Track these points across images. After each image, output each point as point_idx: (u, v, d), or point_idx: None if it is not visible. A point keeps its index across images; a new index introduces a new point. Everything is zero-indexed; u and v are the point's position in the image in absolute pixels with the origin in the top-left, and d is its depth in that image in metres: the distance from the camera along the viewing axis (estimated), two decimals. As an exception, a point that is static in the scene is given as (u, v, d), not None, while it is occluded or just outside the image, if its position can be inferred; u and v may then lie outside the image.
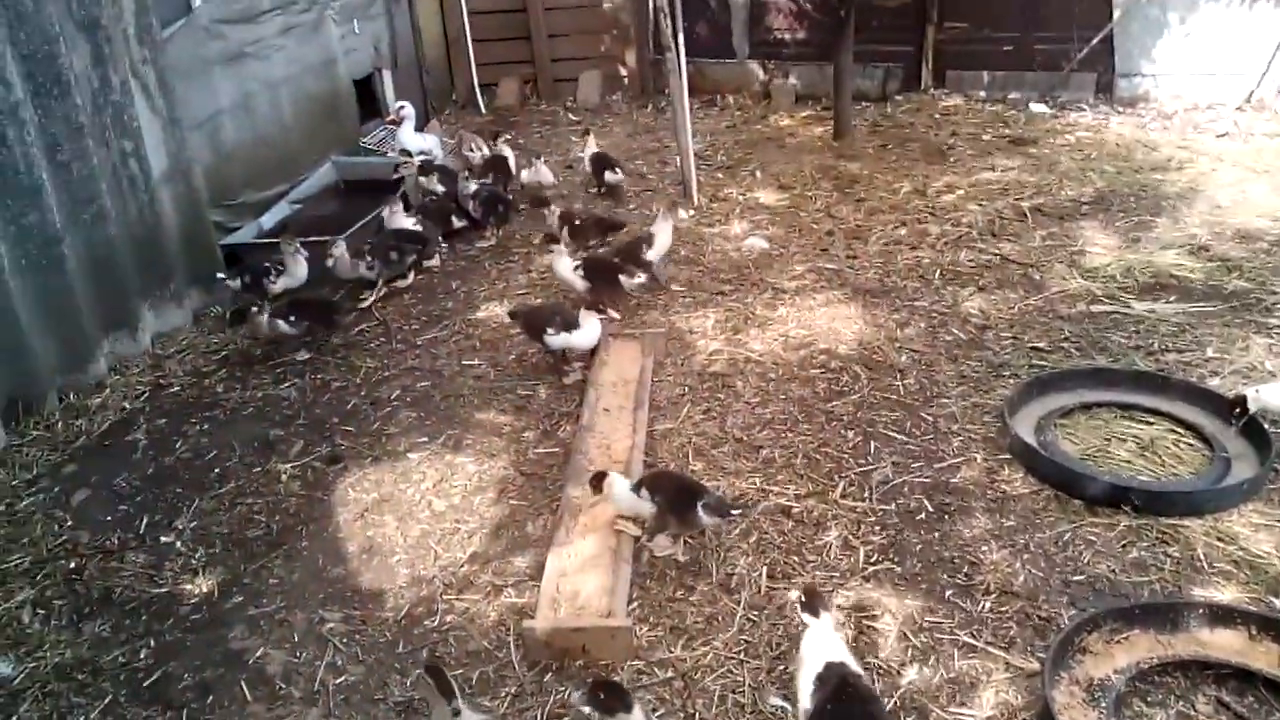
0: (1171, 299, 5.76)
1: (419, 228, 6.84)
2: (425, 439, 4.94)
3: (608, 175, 7.97)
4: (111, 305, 5.81)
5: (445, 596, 3.93)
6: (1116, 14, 9.65)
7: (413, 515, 4.40)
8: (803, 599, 3.26)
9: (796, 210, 7.52)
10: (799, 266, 6.58)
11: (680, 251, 6.91)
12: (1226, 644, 3.37)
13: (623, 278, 5.91)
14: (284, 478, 4.72)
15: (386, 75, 9.89)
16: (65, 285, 5.47)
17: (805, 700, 2.99)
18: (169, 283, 6.25)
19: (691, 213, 7.60)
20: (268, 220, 7.35)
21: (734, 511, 3.97)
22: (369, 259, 6.35)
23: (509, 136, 8.91)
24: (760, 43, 11.06)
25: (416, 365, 5.63)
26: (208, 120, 7.07)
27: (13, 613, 4.02)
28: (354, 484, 4.65)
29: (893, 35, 10.44)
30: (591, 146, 8.20)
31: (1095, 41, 9.74)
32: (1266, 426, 4.36)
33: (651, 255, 6.25)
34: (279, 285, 6.17)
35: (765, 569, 3.92)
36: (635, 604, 3.78)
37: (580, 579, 3.80)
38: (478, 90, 11.03)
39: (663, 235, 6.38)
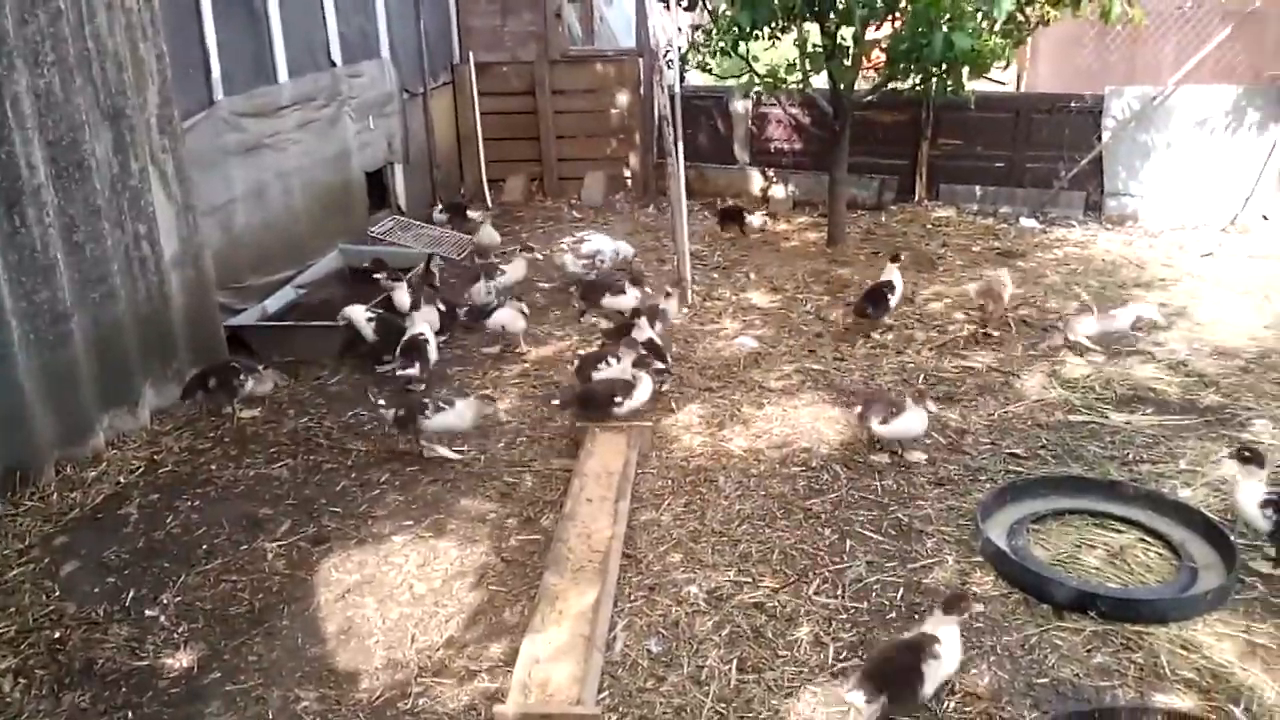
0: (1148, 411, 5.91)
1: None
2: (410, 523, 5.03)
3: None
4: (113, 381, 5.94)
5: (420, 680, 3.97)
6: (1105, 136, 10.05)
7: (393, 598, 4.46)
8: None
9: (787, 312, 7.74)
10: (787, 367, 6.76)
11: (672, 348, 7.09)
12: (1185, 752, 3.42)
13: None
14: (269, 556, 4.80)
15: (398, 169, 10.27)
16: (70, 361, 5.62)
17: None
18: (171, 361, 6.41)
19: (685, 310, 7.81)
20: (272, 304, 7.57)
21: None
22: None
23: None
24: (760, 151, 11.51)
25: (407, 450, 5.74)
26: (221, 207, 7.34)
27: (-7, 680, 4.06)
28: (338, 564, 4.72)
29: (889, 149, 10.87)
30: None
31: (1084, 162, 10.13)
32: (1234, 539, 4.46)
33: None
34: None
35: (736, 662, 3.98)
36: (605, 693, 3.83)
37: (552, 666, 3.85)
38: (485, 185, 11.41)
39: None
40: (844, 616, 4.25)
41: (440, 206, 10.43)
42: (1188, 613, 4.10)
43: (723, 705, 3.77)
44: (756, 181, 11.28)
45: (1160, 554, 4.54)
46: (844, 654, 4.02)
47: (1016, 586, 4.36)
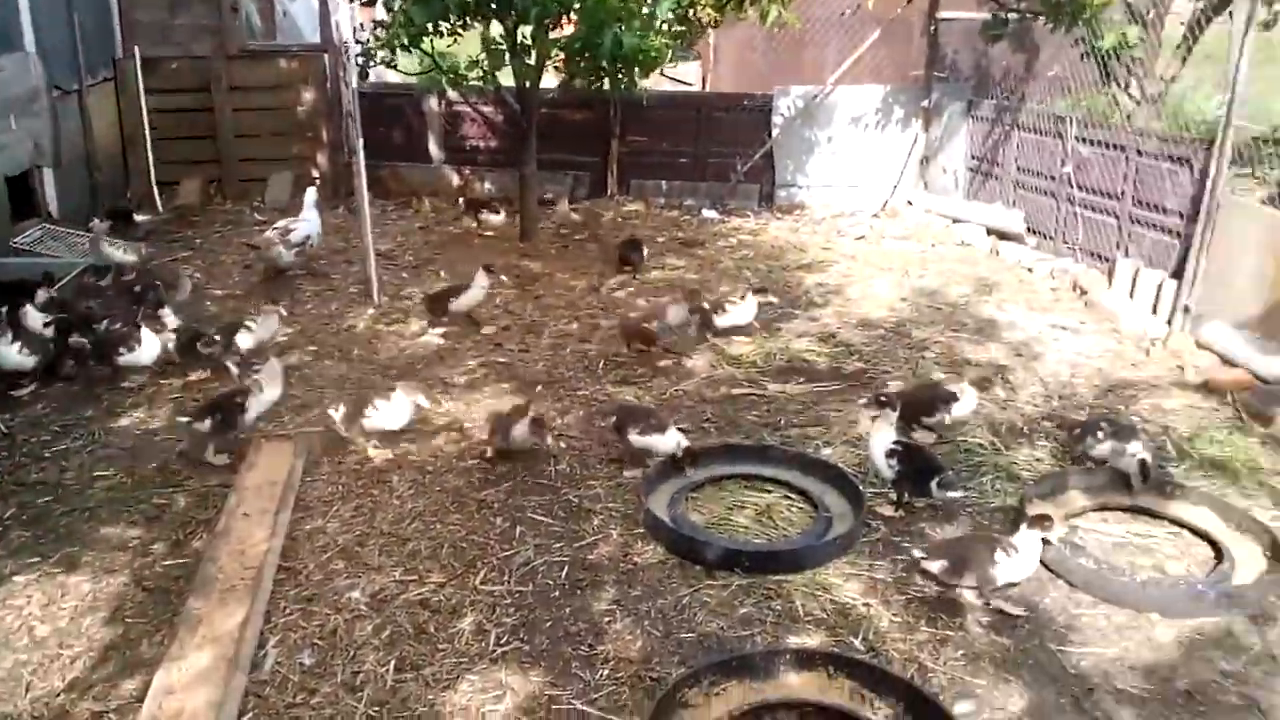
0: (800, 380, 6.38)
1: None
2: (37, 559, 4.52)
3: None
4: None
5: (35, 729, 3.58)
6: (775, 132, 10.77)
7: (8, 644, 3.98)
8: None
9: (476, 308, 7.69)
10: (472, 361, 6.73)
11: (354, 351, 6.88)
12: (809, 685, 3.69)
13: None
14: None
15: (48, 173, 9.28)
16: None
17: None
18: None
19: (372, 312, 7.60)
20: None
21: None
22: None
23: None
24: (455, 149, 11.42)
25: (40, 479, 5.18)
26: None
27: None
28: (-58, 615, 4.17)
29: (582, 146, 11.11)
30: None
31: (757, 157, 10.81)
32: (863, 488, 4.89)
33: None
34: None
35: (394, 663, 3.88)
36: (250, 715, 3.61)
37: (188, 695, 3.58)
38: (155, 189, 10.56)
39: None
40: (508, 602, 4.26)
41: (102, 213, 9.51)
42: (820, 559, 4.45)
43: (377, 708, 3.66)
44: (453, 179, 11.18)
45: (801, 508, 4.91)
46: (505, 638, 4.03)
47: (674, 553, 4.56)
